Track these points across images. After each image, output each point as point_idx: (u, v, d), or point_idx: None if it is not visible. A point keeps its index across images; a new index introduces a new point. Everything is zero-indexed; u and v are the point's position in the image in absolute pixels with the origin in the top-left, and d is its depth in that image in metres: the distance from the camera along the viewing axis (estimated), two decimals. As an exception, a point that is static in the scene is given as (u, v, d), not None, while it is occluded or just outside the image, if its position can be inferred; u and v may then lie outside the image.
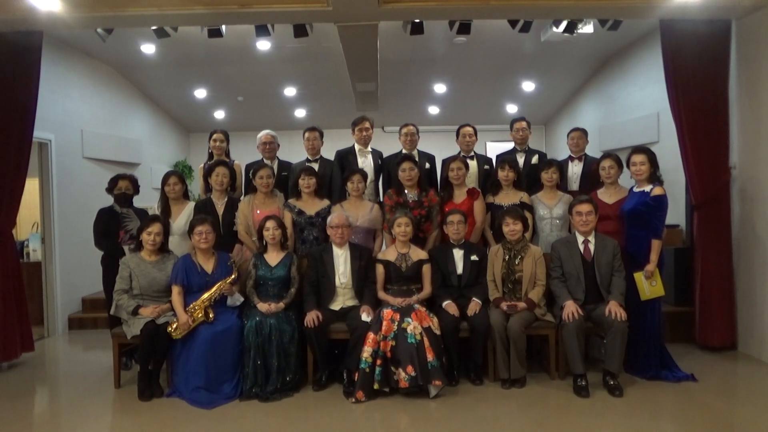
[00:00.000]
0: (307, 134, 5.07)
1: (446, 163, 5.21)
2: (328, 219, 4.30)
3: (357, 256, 4.26)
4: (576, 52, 7.12)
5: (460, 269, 4.26)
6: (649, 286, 4.08)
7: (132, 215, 4.69)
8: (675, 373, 4.07)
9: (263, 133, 5.15)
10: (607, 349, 3.89)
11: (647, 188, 4.09)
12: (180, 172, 4.88)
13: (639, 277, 4.09)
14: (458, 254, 4.28)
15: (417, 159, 4.77)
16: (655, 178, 4.15)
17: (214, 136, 5.24)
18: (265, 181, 4.54)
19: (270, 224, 4.21)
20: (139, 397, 3.92)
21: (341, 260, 4.23)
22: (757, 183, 4.61)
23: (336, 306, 4.22)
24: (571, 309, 3.91)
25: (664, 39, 4.91)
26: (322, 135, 5.12)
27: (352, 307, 4.20)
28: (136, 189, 4.82)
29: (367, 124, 5.05)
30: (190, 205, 4.67)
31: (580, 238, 4.15)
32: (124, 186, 4.70)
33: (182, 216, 4.57)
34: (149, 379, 3.98)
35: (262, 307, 4.06)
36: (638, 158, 4.14)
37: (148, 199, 5.88)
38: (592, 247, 4.11)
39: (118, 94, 7.58)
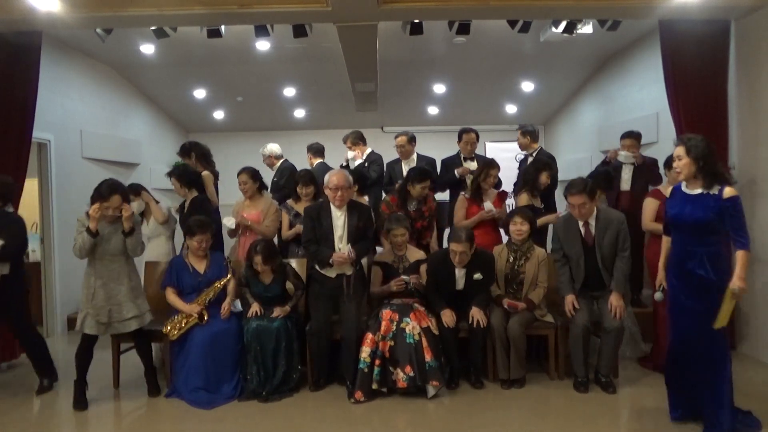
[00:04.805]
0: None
1: (447, 163, 5.28)
2: (326, 179, 4.01)
3: (355, 217, 4.04)
4: (575, 53, 7.11)
5: (461, 286, 4.12)
6: (729, 307, 3.04)
7: None
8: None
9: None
10: (601, 352, 3.86)
11: (714, 191, 3.10)
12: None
13: (729, 298, 3.02)
14: (459, 273, 4.10)
15: (416, 163, 5.06)
16: (714, 175, 3.11)
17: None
18: (241, 187, 4.73)
19: (258, 259, 4.01)
20: (74, 406, 3.80)
21: (339, 223, 4.02)
22: (757, 183, 4.61)
23: (332, 273, 4.04)
24: (568, 306, 3.91)
25: (663, 39, 4.92)
26: (321, 152, 5.75)
27: (349, 277, 4.01)
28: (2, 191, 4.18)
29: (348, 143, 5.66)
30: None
31: (580, 221, 3.98)
32: None
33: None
34: (85, 387, 3.88)
35: (254, 308, 4.02)
36: (676, 151, 3.20)
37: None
38: (593, 229, 3.92)
39: (117, 94, 7.57)
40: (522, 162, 5.59)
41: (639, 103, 6.74)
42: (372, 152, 5.63)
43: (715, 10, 4.59)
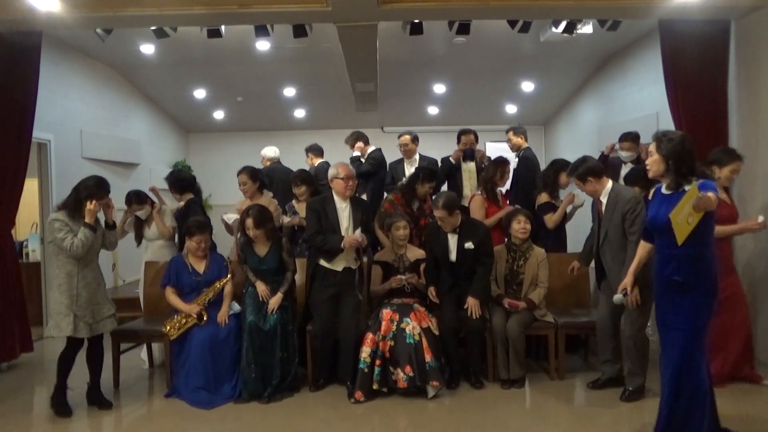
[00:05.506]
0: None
1: (445, 162, 5.30)
2: (334, 171, 4.05)
3: (358, 210, 4.10)
4: (575, 53, 7.11)
5: (453, 256, 4.12)
6: (691, 216, 2.70)
7: None
8: None
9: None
10: (626, 365, 3.73)
11: (687, 187, 2.80)
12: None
13: (692, 193, 2.65)
14: (452, 239, 4.11)
15: (418, 163, 5.14)
16: (683, 176, 2.84)
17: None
18: (241, 187, 4.79)
19: (249, 222, 4.01)
20: (57, 414, 3.68)
21: (345, 215, 4.06)
22: (757, 183, 4.61)
23: (338, 266, 4.06)
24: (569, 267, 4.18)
25: (663, 39, 4.92)
26: (321, 152, 6.08)
27: (354, 270, 4.09)
28: None
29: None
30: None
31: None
32: None
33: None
34: (66, 392, 3.76)
35: (260, 287, 4.01)
36: (649, 147, 2.98)
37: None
38: (603, 207, 3.74)
39: (117, 94, 7.58)
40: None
41: (639, 103, 6.74)
42: (374, 150, 5.67)
43: (715, 10, 4.58)
